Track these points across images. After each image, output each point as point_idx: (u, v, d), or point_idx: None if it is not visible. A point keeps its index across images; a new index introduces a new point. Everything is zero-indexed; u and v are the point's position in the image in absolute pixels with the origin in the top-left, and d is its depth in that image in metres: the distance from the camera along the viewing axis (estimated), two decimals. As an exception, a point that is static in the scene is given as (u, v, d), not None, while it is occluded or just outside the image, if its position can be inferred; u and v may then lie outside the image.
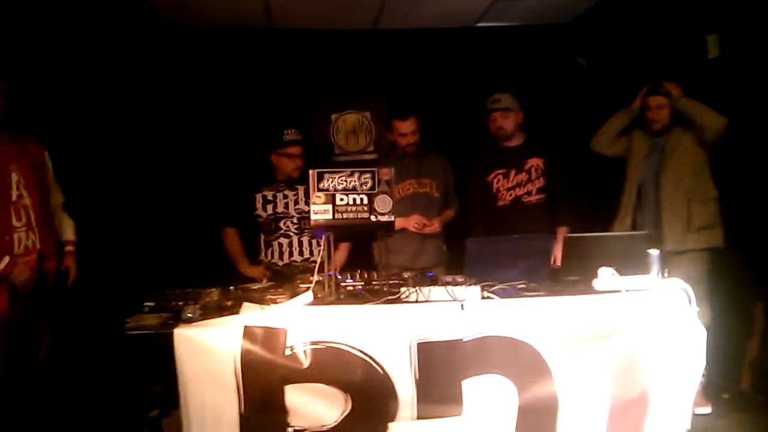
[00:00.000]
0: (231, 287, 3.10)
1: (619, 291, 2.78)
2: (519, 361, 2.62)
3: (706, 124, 3.71)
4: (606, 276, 2.83)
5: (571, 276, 3.03)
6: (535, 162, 4.08)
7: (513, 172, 4.08)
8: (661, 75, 4.42)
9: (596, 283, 2.85)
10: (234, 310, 2.69)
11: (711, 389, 3.66)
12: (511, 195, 4.09)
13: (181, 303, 2.79)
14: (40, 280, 3.20)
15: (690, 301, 2.73)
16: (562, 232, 3.93)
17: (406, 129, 4.04)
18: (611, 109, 4.24)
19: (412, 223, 4.01)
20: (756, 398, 3.75)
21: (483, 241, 3.59)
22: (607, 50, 4.89)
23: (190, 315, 2.61)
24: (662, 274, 2.89)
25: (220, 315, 2.63)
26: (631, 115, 4.00)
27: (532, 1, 4.28)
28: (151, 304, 2.83)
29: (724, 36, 4.00)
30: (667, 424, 2.71)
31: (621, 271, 2.83)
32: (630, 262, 2.90)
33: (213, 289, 2.99)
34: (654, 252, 2.92)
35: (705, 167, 3.85)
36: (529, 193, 4.07)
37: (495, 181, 4.11)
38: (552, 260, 3.32)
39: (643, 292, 2.78)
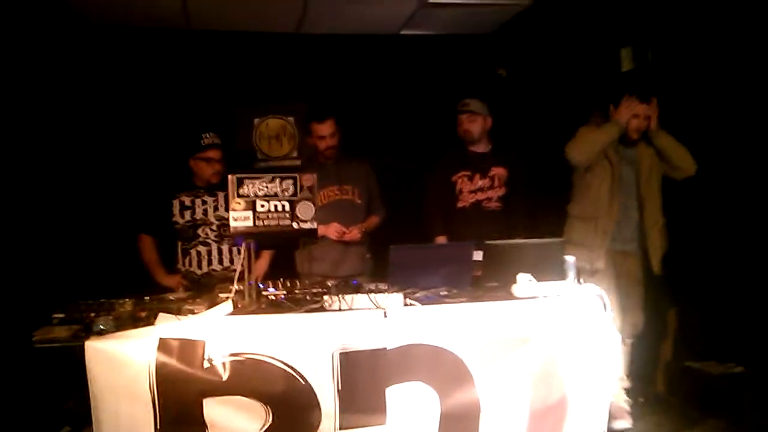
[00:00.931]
0: (146, 297, 2.99)
1: (536, 297, 2.84)
2: (441, 368, 2.63)
3: (683, 166, 3.71)
4: (524, 282, 2.89)
5: (492, 282, 3.08)
6: (499, 171, 4.16)
7: (477, 176, 4.14)
8: (578, 86, 4.59)
9: (515, 289, 2.90)
10: (149, 321, 2.61)
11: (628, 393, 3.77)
12: (472, 198, 4.14)
13: (92, 314, 2.69)
14: None
15: (605, 307, 2.82)
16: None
17: (325, 131, 3.99)
18: (531, 119, 4.35)
19: (331, 231, 3.97)
20: (671, 400, 3.89)
21: (405, 248, 3.60)
22: (527, 61, 5.02)
23: (102, 327, 2.52)
24: (578, 281, 2.97)
25: (135, 326, 2.54)
26: (620, 129, 3.74)
27: (455, 10, 4.34)
28: (61, 315, 2.71)
29: (638, 49, 4.16)
30: (584, 428, 2.79)
31: (539, 278, 2.90)
32: (548, 269, 2.97)
33: (127, 300, 2.88)
34: (570, 258, 3.00)
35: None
36: (489, 200, 4.14)
37: (459, 181, 4.14)
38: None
39: (560, 298, 2.85)
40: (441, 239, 4.08)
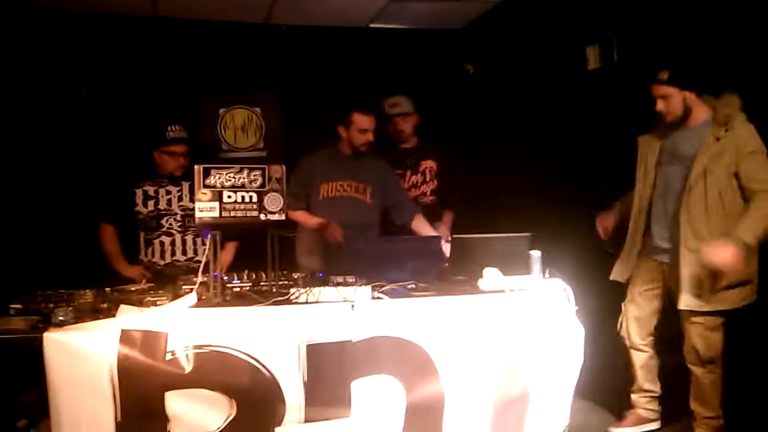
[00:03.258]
0: (107, 288, 2.94)
1: (503, 291, 2.86)
2: (407, 361, 2.64)
3: None
4: (490, 276, 2.91)
5: (458, 276, 3.09)
6: (429, 164, 4.16)
7: (409, 173, 4.14)
8: (544, 84, 4.63)
9: (481, 283, 2.92)
10: (110, 312, 2.56)
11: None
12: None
13: (51, 305, 2.63)
14: None
15: (569, 300, 2.85)
16: (449, 216, 4.08)
17: (368, 124, 3.80)
18: (498, 115, 4.37)
19: (330, 231, 3.70)
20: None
21: (374, 240, 3.61)
22: (494, 58, 5.04)
23: (61, 318, 2.47)
24: (544, 274, 3.00)
25: (95, 318, 2.49)
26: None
27: (426, 5, 4.34)
28: (18, 306, 2.64)
29: (604, 48, 4.20)
30: (547, 420, 2.82)
31: (505, 271, 2.92)
32: (514, 263, 3.00)
33: (87, 291, 2.83)
34: (535, 253, 3.02)
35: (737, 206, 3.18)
36: (424, 194, 4.14)
37: None
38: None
39: (525, 291, 2.87)
40: None
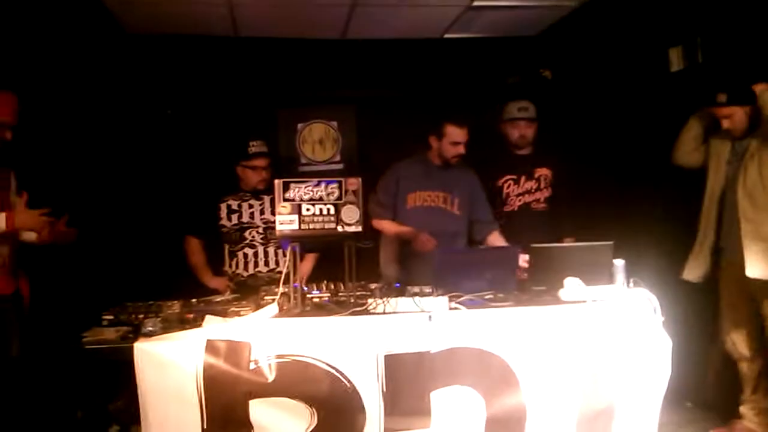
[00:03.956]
0: (193, 300, 3.04)
1: (585, 301, 2.79)
2: (487, 372, 2.60)
3: None
4: (572, 286, 2.84)
5: (538, 286, 3.03)
6: (544, 171, 4.13)
7: (523, 179, 4.10)
8: (625, 88, 4.50)
9: (562, 294, 2.86)
10: (196, 323, 2.65)
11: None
12: (520, 201, 4.11)
13: (141, 316, 2.74)
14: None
15: (655, 311, 2.75)
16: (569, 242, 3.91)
17: (461, 137, 3.78)
18: (577, 121, 4.27)
19: (420, 240, 3.67)
20: (719, 406, 3.76)
21: (450, 251, 3.58)
22: (573, 63, 4.95)
23: (150, 328, 2.56)
24: (628, 284, 2.91)
25: (182, 328, 2.58)
26: (702, 121, 3.56)
27: (500, 13, 4.30)
28: (110, 317, 2.77)
29: (688, 49, 4.05)
30: (634, 435, 2.72)
31: (587, 281, 2.85)
32: (596, 272, 2.92)
33: (174, 302, 2.94)
34: (619, 262, 2.94)
35: None
36: (537, 201, 4.10)
37: (505, 186, 4.11)
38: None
39: (609, 302, 2.79)
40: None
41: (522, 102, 4.13)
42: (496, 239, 3.90)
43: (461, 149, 3.80)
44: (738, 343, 3.46)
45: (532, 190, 4.10)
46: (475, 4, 4.09)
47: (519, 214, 4.09)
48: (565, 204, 4.15)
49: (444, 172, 3.90)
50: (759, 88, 3.25)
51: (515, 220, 4.08)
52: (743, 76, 3.32)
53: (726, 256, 3.44)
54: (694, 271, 3.50)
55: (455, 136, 3.78)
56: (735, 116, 3.33)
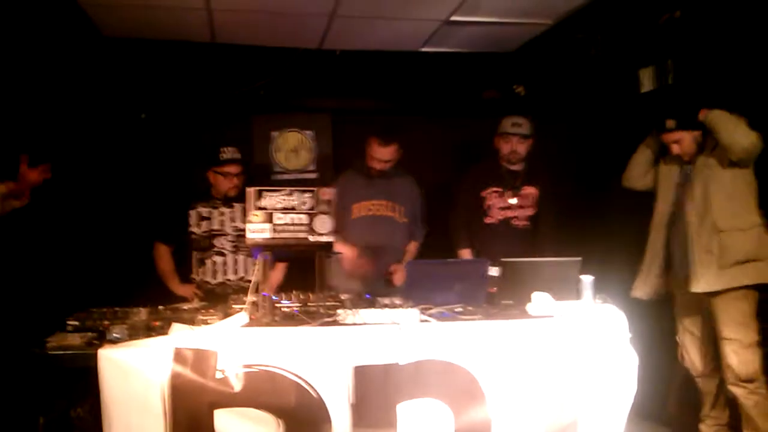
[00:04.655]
0: (160, 307, 3.00)
1: (552, 316, 2.81)
2: (454, 385, 2.61)
3: (729, 142, 3.25)
4: (540, 301, 2.87)
5: (507, 300, 3.05)
6: (531, 190, 4.12)
7: (509, 194, 4.09)
8: (596, 107, 4.57)
9: (530, 308, 2.88)
10: (163, 331, 2.61)
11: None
12: (502, 215, 4.11)
13: (107, 322, 2.69)
14: None
15: (622, 327, 2.78)
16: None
17: (385, 156, 3.90)
18: (548, 139, 4.31)
19: (348, 258, 3.81)
20: (682, 420, 3.81)
21: (421, 263, 3.60)
22: (546, 80, 5.01)
23: (116, 335, 2.53)
24: (596, 300, 2.94)
25: (148, 336, 2.54)
26: (653, 147, 3.66)
27: (477, 29, 4.34)
28: (75, 322, 2.71)
29: (659, 70, 4.12)
30: (598, 450, 2.74)
31: (556, 296, 2.87)
32: (565, 288, 2.95)
33: (141, 309, 2.89)
34: (587, 278, 2.97)
35: (745, 190, 3.36)
36: (518, 218, 4.10)
37: (488, 197, 4.11)
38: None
39: (576, 317, 2.81)
40: (465, 253, 4.06)
41: (517, 118, 4.12)
42: (411, 250, 4.06)
43: (384, 165, 3.92)
44: (695, 360, 3.54)
45: (516, 207, 4.11)
46: (453, 19, 4.13)
47: (498, 227, 4.10)
48: (548, 225, 4.15)
49: (386, 180, 3.98)
50: (703, 113, 3.36)
51: (494, 233, 4.08)
52: (697, 101, 3.42)
53: (677, 275, 3.51)
54: (641, 289, 3.58)
55: (377, 153, 3.89)
56: (683, 141, 3.43)
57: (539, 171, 4.21)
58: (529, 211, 4.13)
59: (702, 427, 3.55)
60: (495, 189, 4.12)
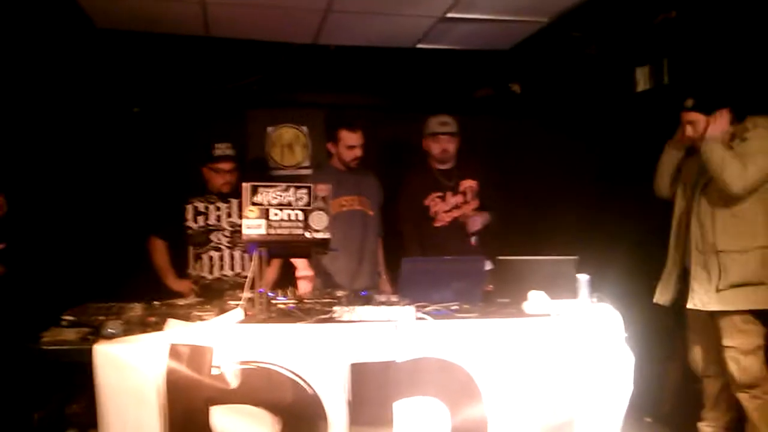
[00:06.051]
0: (156, 302, 2.99)
1: (548, 314, 2.82)
2: (450, 383, 2.61)
3: (717, 180, 3.18)
4: (536, 299, 2.87)
5: (503, 298, 3.06)
6: (469, 183, 4.12)
7: (449, 194, 4.10)
8: (591, 105, 4.58)
9: (526, 306, 2.88)
10: (158, 326, 2.59)
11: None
12: (449, 216, 4.10)
13: (102, 317, 2.67)
14: None
15: (618, 326, 2.79)
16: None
17: (355, 141, 3.93)
18: (545, 136, 4.32)
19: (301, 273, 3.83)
20: (677, 421, 3.83)
21: (417, 261, 3.60)
22: (542, 79, 5.02)
23: (111, 331, 2.51)
24: (592, 299, 2.95)
25: (144, 331, 2.54)
26: (676, 152, 3.49)
27: (472, 26, 4.34)
28: (70, 317, 2.70)
29: (655, 70, 4.13)
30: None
31: (552, 295, 2.88)
32: (561, 286, 2.95)
33: (136, 304, 2.88)
34: (583, 277, 2.97)
35: (756, 207, 3.19)
36: (465, 214, 4.10)
37: (432, 204, 4.10)
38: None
39: (572, 316, 2.82)
40: None
41: (443, 117, 4.13)
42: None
43: (358, 152, 3.96)
44: (701, 363, 3.49)
45: (460, 205, 4.11)
46: (448, 15, 4.13)
47: (450, 229, 4.08)
48: (495, 215, 4.14)
49: (352, 176, 4.02)
50: (708, 131, 3.23)
51: (447, 235, 4.06)
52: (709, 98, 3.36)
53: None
54: (663, 295, 3.52)
55: (349, 140, 3.94)
56: (698, 124, 3.29)
57: (472, 163, 4.22)
58: (473, 204, 4.13)
59: (701, 425, 3.54)
60: (436, 194, 4.12)
